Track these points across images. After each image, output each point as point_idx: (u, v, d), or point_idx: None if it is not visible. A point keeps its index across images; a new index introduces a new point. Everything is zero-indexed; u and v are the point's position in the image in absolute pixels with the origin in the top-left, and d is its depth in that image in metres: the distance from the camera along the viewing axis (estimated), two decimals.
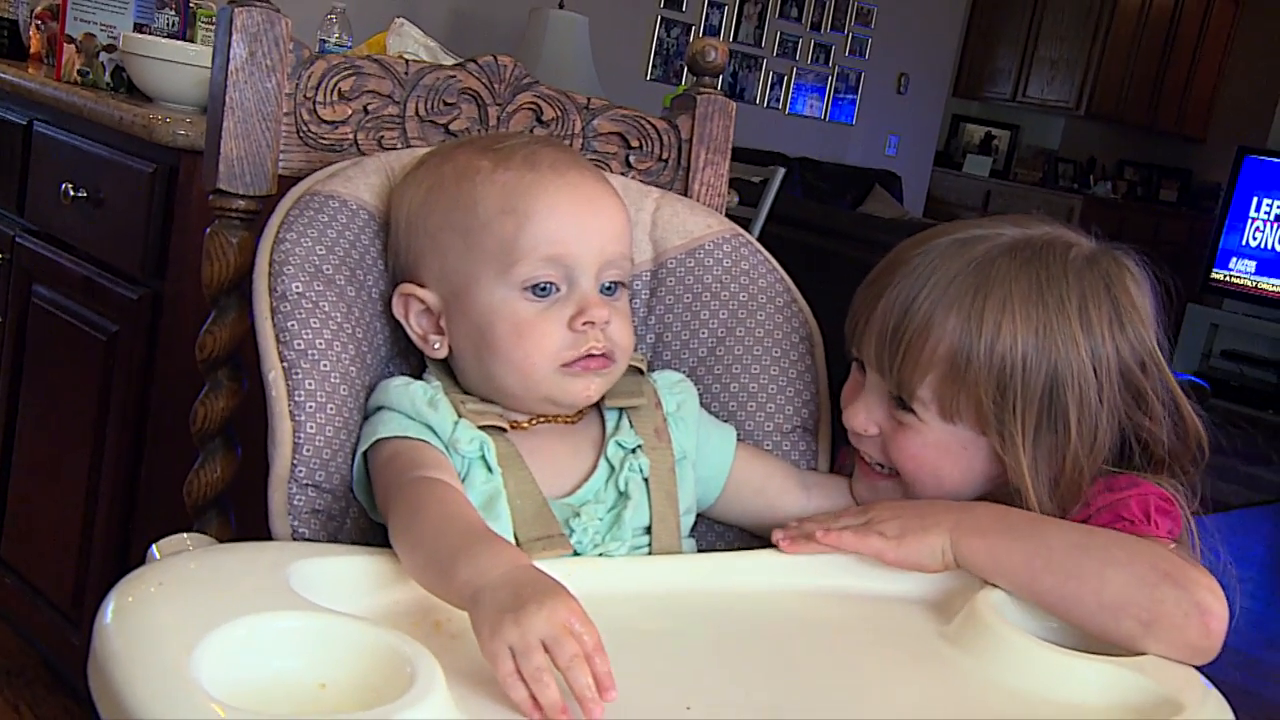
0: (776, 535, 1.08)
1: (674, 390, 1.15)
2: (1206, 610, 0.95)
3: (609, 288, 1.05)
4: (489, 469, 1.02)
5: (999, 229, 1.12)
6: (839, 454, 1.24)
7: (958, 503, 1.10)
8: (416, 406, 1.02)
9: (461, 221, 1.03)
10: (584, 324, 1.02)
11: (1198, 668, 0.95)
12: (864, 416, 1.14)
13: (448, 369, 1.09)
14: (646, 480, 1.08)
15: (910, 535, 1.05)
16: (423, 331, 1.07)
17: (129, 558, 1.93)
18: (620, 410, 1.11)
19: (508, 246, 1.01)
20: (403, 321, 1.07)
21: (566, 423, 1.09)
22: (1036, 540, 1.02)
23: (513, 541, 0.98)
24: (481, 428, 1.03)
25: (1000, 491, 1.11)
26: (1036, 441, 1.08)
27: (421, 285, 1.06)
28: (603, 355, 1.04)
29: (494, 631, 0.78)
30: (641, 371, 1.15)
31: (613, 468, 1.08)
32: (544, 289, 1.02)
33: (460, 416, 1.03)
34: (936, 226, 1.16)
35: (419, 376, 1.09)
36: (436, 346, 1.06)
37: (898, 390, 1.11)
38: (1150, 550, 1.00)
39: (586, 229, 1.03)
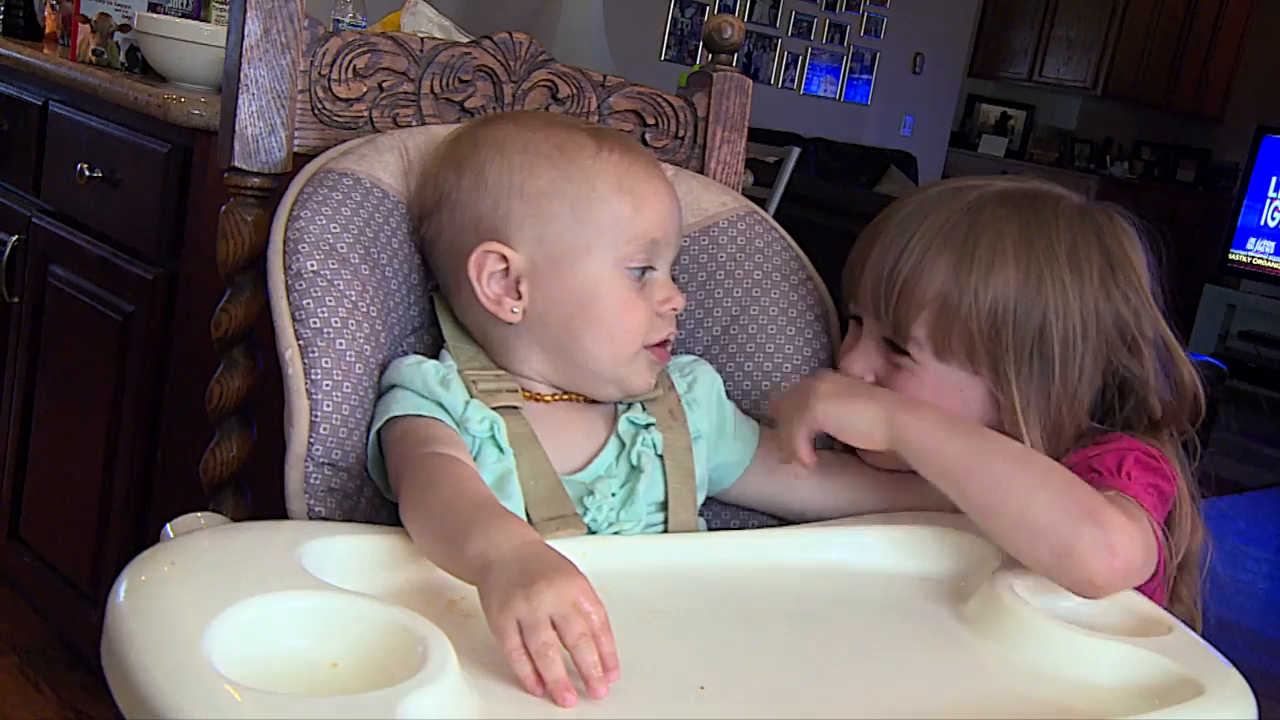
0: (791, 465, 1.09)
1: (684, 372, 1.15)
2: (1116, 552, 0.96)
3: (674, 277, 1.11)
4: (500, 449, 1.02)
5: (990, 180, 1.14)
6: None
7: (887, 391, 1.11)
8: (428, 385, 1.02)
9: (574, 192, 1.04)
10: (670, 309, 1.08)
11: (1219, 648, 0.95)
12: (861, 364, 1.15)
13: (473, 342, 1.09)
14: (661, 456, 1.08)
15: (843, 398, 1.06)
16: (495, 295, 1.06)
17: (146, 536, 1.93)
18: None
19: (623, 224, 1.05)
20: (474, 282, 1.05)
21: (584, 400, 1.10)
22: (978, 442, 1.02)
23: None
24: (495, 408, 1.03)
25: None
26: (1030, 383, 1.09)
27: (509, 246, 1.05)
28: (668, 345, 1.10)
29: (502, 605, 0.78)
30: None
31: (623, 443, 1.08)
32: (642, 271, 1.06)
33: (472, 396, 1.03)
34: (928, 182, 1.17)
35: (432, 355, 1.08)
36: (514, 311, 1.06)
37: (893, 332, 1.12)
38: (1083, 487, 1.00)
39: (673, 220, 1.09)
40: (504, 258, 1.05)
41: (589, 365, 1.07)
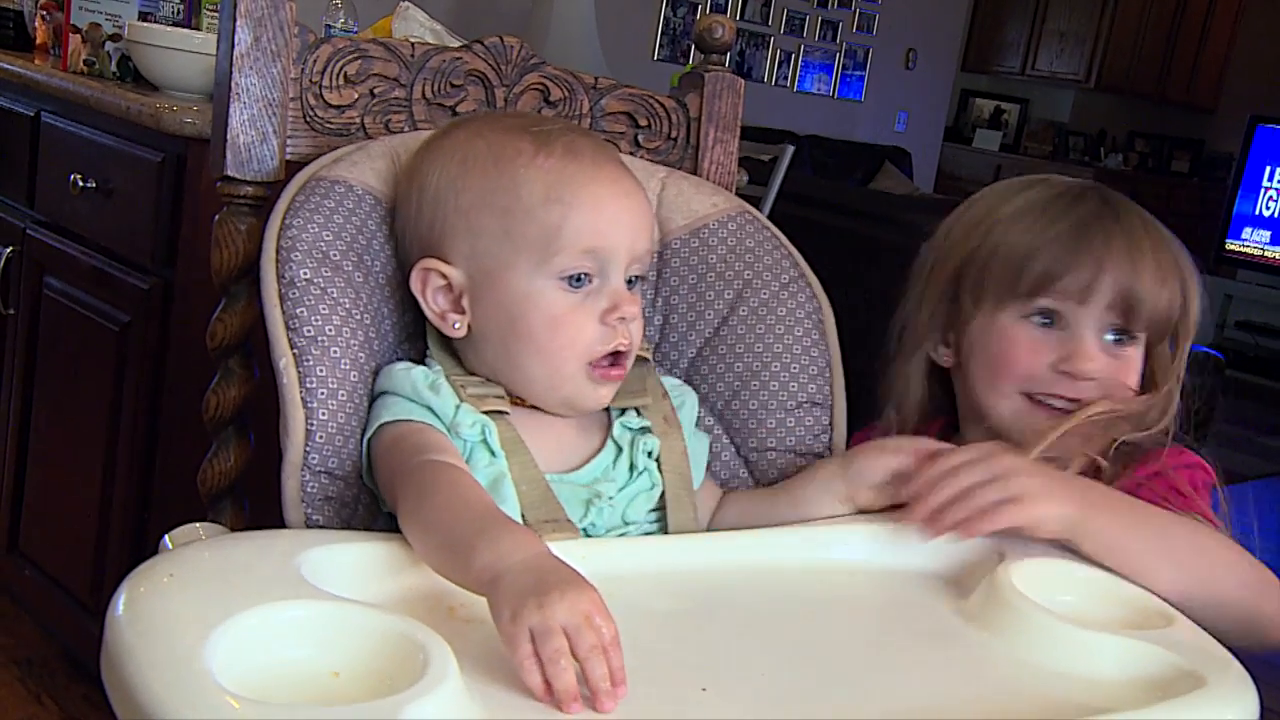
0: (914, 516, 1.03)
1: (674, 393, 1.15)
2: None
3: (630, 281, 1.06)
4: (492, 452, 1.02)
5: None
6: (854, 435, 1.24)
7: (1073, 476, 1.09)
8: (418, 390, 1.02)
9: (501, 204, 1.02)
10: (617, 319, 1.03)
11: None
12: (1094, 363, 1.16)
13: (452, 351, 1.08)
14: (658, 460, 1.08)
15: (1048, 496, 1.02)
16: (440, 310, 1.05)
17: (145, 547, 1.93)
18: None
19: (550, 235, 1.01)
20: (419, 297, 1.06)
21: None
22: (1157, 531, 1.04)
23: (521, 524, 0.98)
24: (484, 412, 1.03)
25: None
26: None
27: (446, 261, 1.05)
28: (622, 356, 1.05)
29: (515, 615, 0.78)
30: (646, 359, 1.14)
31: (619, 448, 1.08)
32: (579, 280, 1.02)
33: (461, 401, 1.03)
34: (1054, 177, 1.25)
35: (423, 362, 1.08)
36: (456, 326, 1.05)
37: (1148, 324, 1.18)
38: (1249, 560, 1.06)
39: (622, 224, 1.04)
40: (443, 274, 1.04)
41: (529, 384, 1.05)
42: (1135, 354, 1.19)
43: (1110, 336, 1.18)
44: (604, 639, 0.78)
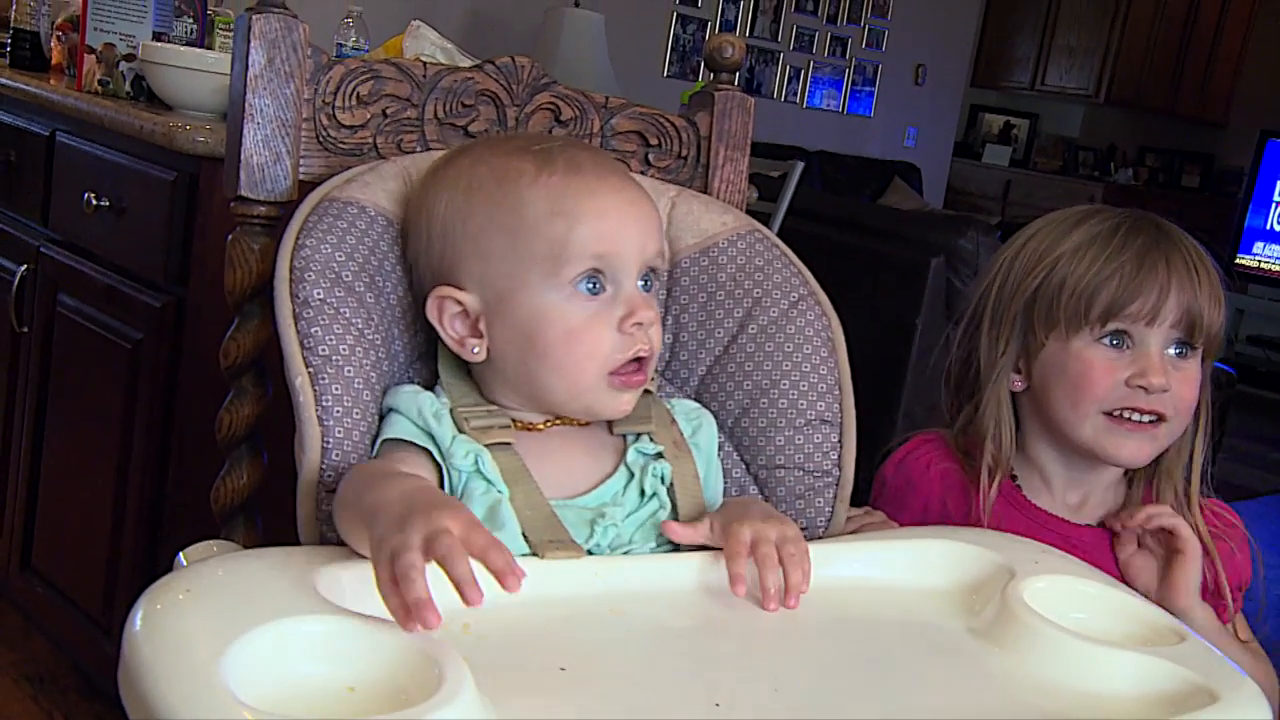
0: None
1: (690, 417, 1.15)
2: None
3: (646, 283, 1.06)
4: (488, 481, 1.02)
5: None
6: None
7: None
8: (422, 414, 1.03)
9: (508, 224, 1.03)
10: (634, 325, 1.03)
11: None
12: (1163, 376, 1.25)
13: (466, 377, 1.09)
14: (671, 487, 1.08)
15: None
16: (459, 335, 1.06)
17: (157, 564, 1.94)
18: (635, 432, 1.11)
19: (557, 248, 1.02)
20: (436, 325, 1.06)
21: (577, 424, 1.10)
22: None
23: (523, 546, 0.98)
24: (489, 444, 1.03)
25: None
26: None
27: (459, 288, 1.06)
28: (644, 362, 1.06)
29: (379, 544, 0.79)
30: (649, 391, 1.14)
31: (631, 473, 1.08)
32: (594, 287, 1.03)
33: (462, 432, 1.03)
34: (1103, 208, 1.34)
35: (431, 386, 1.09)
36: (475, 350, 1.06)
37: (1204, 347, 1.27)
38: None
39: (630, 230, 1.05)
40: (458, 300, 1.05)
41: (549, 398, 1.06)
42: (1194, 367, 1.28)
43: (1173, 351, 1.27)
44: (475, 545, 0.79)
